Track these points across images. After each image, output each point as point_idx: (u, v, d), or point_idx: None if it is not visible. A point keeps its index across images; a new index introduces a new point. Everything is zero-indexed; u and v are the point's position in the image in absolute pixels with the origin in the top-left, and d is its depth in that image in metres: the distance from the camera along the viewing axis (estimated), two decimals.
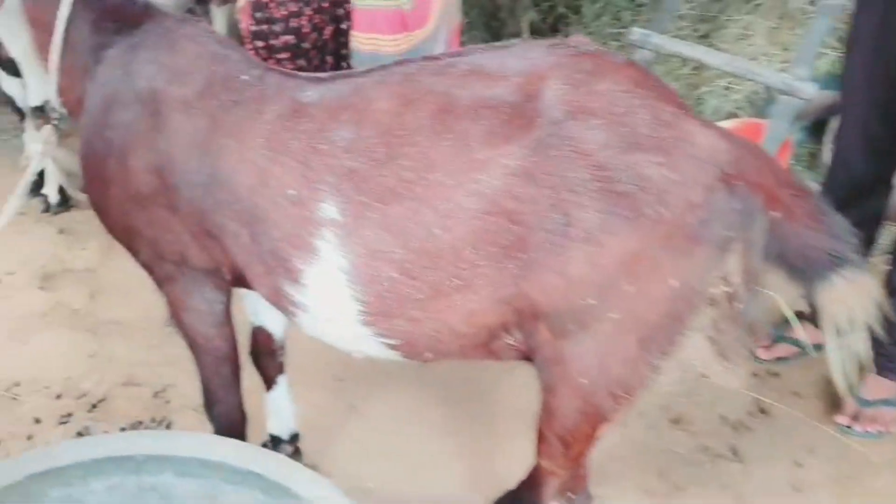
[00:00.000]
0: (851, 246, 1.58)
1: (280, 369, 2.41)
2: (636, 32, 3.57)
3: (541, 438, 1.79)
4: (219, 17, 3.96)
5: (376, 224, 1.65)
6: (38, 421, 2.66)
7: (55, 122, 2.11)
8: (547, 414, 1.75)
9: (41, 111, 3.58)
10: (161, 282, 2.01)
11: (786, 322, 2.65)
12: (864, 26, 2.53)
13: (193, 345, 2.08)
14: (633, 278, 1.55)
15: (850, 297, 1.57)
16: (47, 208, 3.78)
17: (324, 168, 1.68)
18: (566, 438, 1.75)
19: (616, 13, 4.68)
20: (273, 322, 2.31)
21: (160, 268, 1.98)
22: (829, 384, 2.83)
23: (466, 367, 2.81)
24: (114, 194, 1.92)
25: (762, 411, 2.73)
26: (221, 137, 1.77)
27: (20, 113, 3.77)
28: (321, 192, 1.68)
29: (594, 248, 1.54)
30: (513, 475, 2.05)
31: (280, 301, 1.82)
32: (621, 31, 4.56)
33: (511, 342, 1.73)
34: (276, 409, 2.46)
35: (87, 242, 3.54)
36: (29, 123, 3.72)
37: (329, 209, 1.67)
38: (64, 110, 2.09)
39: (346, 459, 2.56)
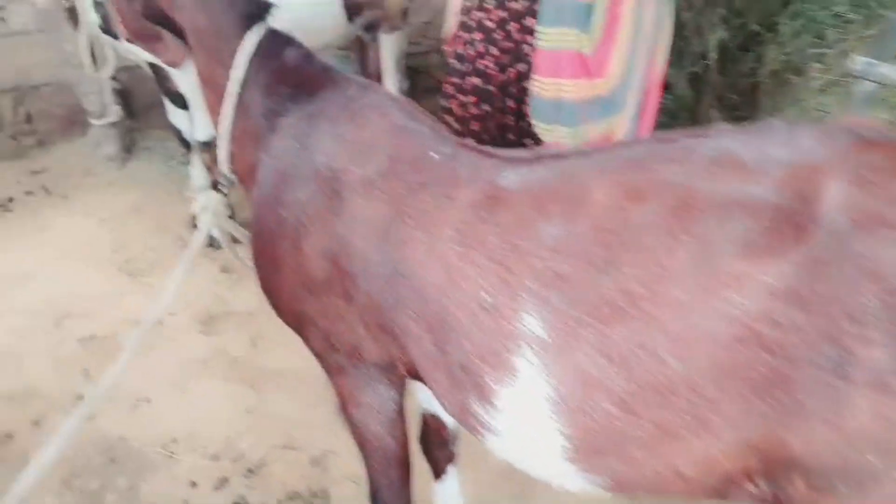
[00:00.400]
0: None
1: (451, 459, 2.16)
2: (858, 61, 3.08)
3: None
4: (387, 44, 3.78)
5: (591, 345, 1.34)
6: (194, 485, 2.54)
7: (224, 191, 1.95)
8: None
9: (207, 146, 3.52)
10: (331, 372, 1.80)
11: None
12: None
13: (362, 442, 1.85)
14: None
15: None
16: (211, 243, 3.71)
17: (526, 271, 1.39)
18: None
19: (819, 31, 4.14)
20: None
21: (331, 358, 1.76)
22: None
23: None
24: (285, 277, 1.72)
25: None
26: (406, 226, 1.52)
27: (186, 145, 3.72)
28: (522, 301, 1.39)
29: (883, 397, 1.17)
30: None
31: (467, 419, 1.55)
32: (825, 51, 4.03)
33: (753, 490, 1.38)
34: (444, 501, 2.21)
35: (249, 283, 3.40)
36: (195, 156, 3.67)
37: (531, 322, 1.38)
38: (234, 177, 1.91)
39: None
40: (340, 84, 1.73)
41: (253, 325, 3.22)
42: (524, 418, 1.44)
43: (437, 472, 2.18)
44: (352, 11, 3.53)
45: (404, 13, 3.72)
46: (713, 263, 1.26)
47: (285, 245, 1.68)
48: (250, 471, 2.58)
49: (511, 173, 1.49)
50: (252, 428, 2.74)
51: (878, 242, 1.18)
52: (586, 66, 2.42)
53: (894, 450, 1.20)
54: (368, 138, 1.61)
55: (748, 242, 1.24)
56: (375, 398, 1.77)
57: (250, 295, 3.36)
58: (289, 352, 2.95)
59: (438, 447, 2.13)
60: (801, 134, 1.31)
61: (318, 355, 1.80)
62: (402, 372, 1.70)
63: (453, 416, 1.59)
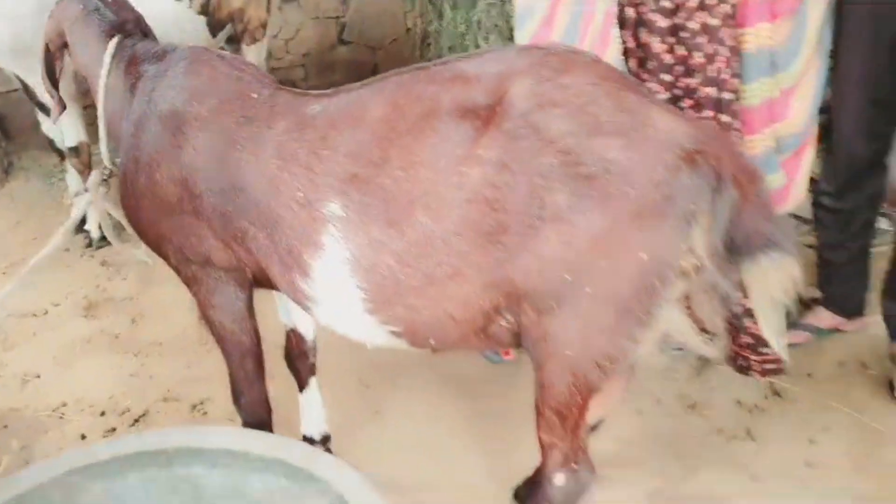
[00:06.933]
0: (784, 231, 1.68)
1: (312, 371, 2.55)
2: None
3: (538, 413, 1.89)
4: (249, 56, 4.15)
5: (375, 217, 1.79)
6: (83, 437, 2.82)
7: (105, 178, 2.39)
8: (540, 389, 1.85)
9: (76, 151, 3.85)
10: (189, 282, 2.19)
11: (798, 309, 2.80)
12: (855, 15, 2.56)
13: (220, 339, 2.24)
14: (605, 254, 1.66)
15: (773, 277, 1.67)
16: (90, 244, 4.00)
17: (328, 172, 1.83)
18: (560, 410, 1.85)
19: None
20: (304, 324, 2.47)
21: (187, 269, 2.15)
22: (842, 366, 2.93)
23: (484, 370, 3.00)
24: (144, 206, 2.11)
25: (776, 394, 2.81)
26: (238, 151, 1.94)
27: (60, 154, 4.03)
28: (326, 193, 1.83)
29: (566, 228, 1.66)
30: (530, 465, 2.13)
31: (297, 296, 1.97)
32: None
33: (504, 324, 1.84)
34: (307, 409, 2.59)
35: (128, 272, 3.78)
36: (69, 163, 3.99)
37: (334, 207, 1.82)
38: (112, 167, 2.34)
39: (373, 457, 2.63)
40: (178, 51, 2.16)
41: (132, 307, 3.55)
42: (332, 282, 1.87)
43: (301, 384, 2.55)
44: (214, 26, 3.92)
45: (263, 26, 4.16)
46: (448, 149, 1.73)
47: (142, 179, 2.07)
48: (136, 420, 2.88)
49: (315, 104, 1.93)
50: (135, 388, 3.04)
51: (548, 116, 1.66)
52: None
53: (579, 268, 1.67)
54: (201, 85, 2.04)
55: (469, 131, 1.72)
56: (226, 299, 2.15)
57: (129, 283, 3.72)
58: (165, 327, 3.35)
59: (300, 360, 2.50)
60: (506, 51, 1.86)
61: (176, 269, 2.18)
62: (248, 274, 2.10)
63: (289, 296, 2.02)
